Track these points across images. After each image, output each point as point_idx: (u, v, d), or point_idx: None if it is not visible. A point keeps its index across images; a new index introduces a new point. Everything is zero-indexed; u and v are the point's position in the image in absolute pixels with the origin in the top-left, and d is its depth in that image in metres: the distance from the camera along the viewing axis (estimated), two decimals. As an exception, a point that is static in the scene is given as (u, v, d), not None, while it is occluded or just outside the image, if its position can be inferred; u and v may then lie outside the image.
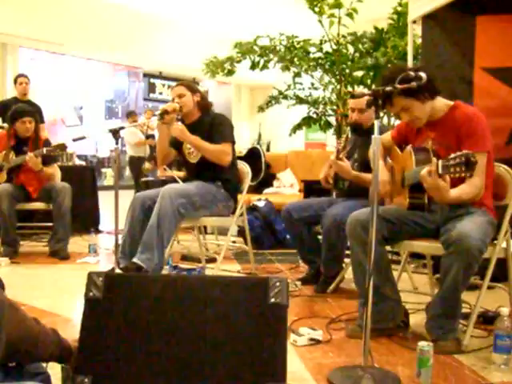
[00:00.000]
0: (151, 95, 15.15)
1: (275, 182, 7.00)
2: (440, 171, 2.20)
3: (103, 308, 1.69)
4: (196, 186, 3.67)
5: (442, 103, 2.64)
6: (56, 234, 4.74)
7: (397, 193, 2.80)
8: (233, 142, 3.76)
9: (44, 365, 1.66)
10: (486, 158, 2.50)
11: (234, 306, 1.66)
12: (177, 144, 3.88)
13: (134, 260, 3.38)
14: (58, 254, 4.68)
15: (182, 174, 5.68)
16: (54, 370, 1.76)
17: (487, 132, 2.53)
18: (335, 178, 3.65)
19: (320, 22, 6.75)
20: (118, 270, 3.32)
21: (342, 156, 3.41)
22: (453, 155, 2.14)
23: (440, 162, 2.20)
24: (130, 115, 9.74)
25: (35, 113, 4.97)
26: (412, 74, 2.26)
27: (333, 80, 7.26)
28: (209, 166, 3.72)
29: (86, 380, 1.60)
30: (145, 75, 14.92)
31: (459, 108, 2.60)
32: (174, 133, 3.69)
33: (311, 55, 7.20)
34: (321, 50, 7.14)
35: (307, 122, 7.78)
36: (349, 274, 3.26)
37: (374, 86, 6.52)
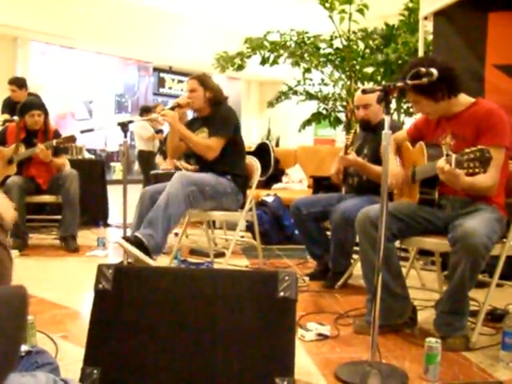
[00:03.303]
0: (161, 90, 15.14)
1: (284, 178, 6.99)
2: (453, 165, 2.18)
3: (112, 300, 1.70)
4: (208, 176, 3.67)
5: (463, 99, 2.62)
6: (65, 220, 4.74)
7: (406, 187, 2.79)
8: (228, 137, 3.72)
9: (53, 355, 1.67)
10: (503, 153, 2.48)
11: (242, 299, 1.66)
12: None
13: (136, 234, 3.32)
14: (67, 241, 4.69)
15: (189, 166, 5.69)
16: (64, 361, 1.78)
17: (507, 129, 2.50)
18: (345, 174, 3.65)
19: (330, 17, 6.72)
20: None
21: (350, 151, 3.42)
22: (467, 150, 2.12)
23: (454, 156, 2.18)
24: (146, 111, 9.61)
25: (44, 105, 4.98)
26: (423, 70, 2.25)
27: (343, 76, 7.24)
28: (218, 160, 3.72)
29: (95, 372, 1.61)
30: (155, 70, 14.92)
31: (480, 104, 2.59)
32: (166, 118, 3.68)
33: (321, 51, 7.17)
34: (331, 45, 7.12)
35: (317, 117, 7.76)
36: (357, 269, 3.26)
37: (384, 82, 6.50)
